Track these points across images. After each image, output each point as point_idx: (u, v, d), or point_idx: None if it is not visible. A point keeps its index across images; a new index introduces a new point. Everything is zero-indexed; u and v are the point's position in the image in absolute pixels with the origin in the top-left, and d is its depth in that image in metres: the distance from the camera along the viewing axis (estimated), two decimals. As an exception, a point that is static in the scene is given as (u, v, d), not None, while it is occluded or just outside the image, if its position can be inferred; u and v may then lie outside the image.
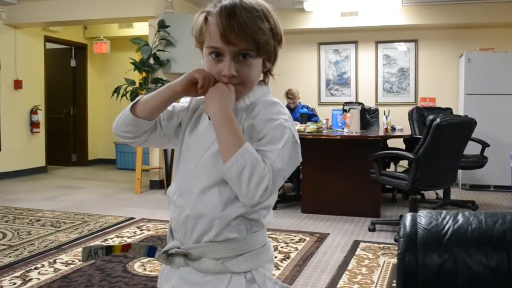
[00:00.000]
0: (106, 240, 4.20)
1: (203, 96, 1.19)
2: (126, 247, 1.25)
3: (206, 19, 1.17)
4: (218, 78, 1.16)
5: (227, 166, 1.07)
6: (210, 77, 1.16)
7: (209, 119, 1.20)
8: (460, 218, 1.66)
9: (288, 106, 6.64)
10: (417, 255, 1.59)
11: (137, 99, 1.25)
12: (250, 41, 1.13)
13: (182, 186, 1.22)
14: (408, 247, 1.61)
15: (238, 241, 1.18)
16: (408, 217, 1.71)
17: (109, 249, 1.23)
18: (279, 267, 3.49)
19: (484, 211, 1.69)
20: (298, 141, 1.18)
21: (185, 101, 1.34)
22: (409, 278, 1.59)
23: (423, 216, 1.69)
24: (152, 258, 1.26)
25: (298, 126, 5.61)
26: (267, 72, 1.27)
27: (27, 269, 3.42)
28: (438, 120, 4.14)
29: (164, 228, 4.56)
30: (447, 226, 1.63)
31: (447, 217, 1.67)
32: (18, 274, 3.33)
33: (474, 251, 1.56)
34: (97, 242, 4.11)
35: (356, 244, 4.12)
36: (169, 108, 1.29)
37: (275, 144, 1.12)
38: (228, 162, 1.07)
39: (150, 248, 1.25)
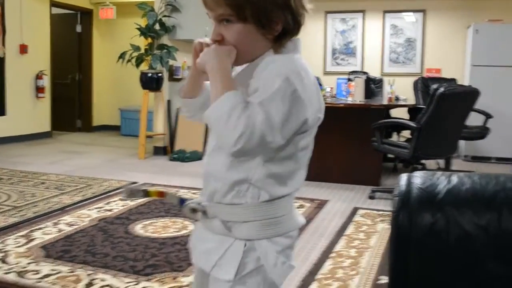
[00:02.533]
0: (109, 202, 4.25)
1: None
2: (161, 194, 1.32)
3: None
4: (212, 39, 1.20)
5: (207, 112, 1.10)
6: (206, 41, 1.19)
7: None
8: (454, 178, 1.68)
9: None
10: (411, 214, 1.61)
11: (180, 87, 1.35)
12: (223, 5, 1.12)
13: (207, 145, 1.27)
14: (402, 205, 1.63)
15: (244, 208, 1.17)
16: (404, 177, 1.72)
17: (146, 193, 1.30)
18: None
19: (479, 173, 1.71)
20: (305, 99, 1.10)
21: None
22: (401, 235, 1.61)
23: (418, 176, 1.70)
24: (180, 208, 1.30)
25: (302, 94, 5.63)
26: (279, 38, 1.19)
27: (31, 229, 3.48)
28: (441, 89, 4.14)
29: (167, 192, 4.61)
30: (441, 186, 1.65)
31: (442, 178, 1.69)
32: (23, 233, 3.39)
33: (466, 210, 1.58)
34: (102, 204, 4.17)
35: (355, 210, 4.16)
36: None
37: (263, 93, 1.07)
38: (210, 107, 1.09)
39: (181, 200, 1.29)
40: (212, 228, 1.22)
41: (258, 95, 1.07)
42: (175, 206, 4.05)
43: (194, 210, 1.25)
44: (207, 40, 1.19)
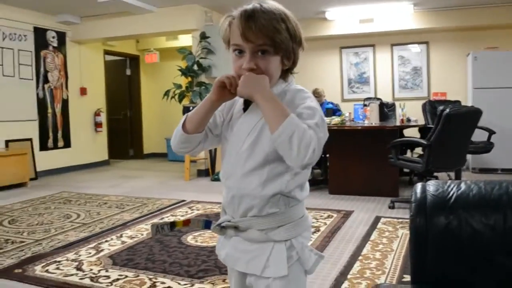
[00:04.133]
0: (163, 218, 4.35)
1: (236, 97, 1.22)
2: (187, 222, 1.29)
3: (230, 22, 1.18)
4: (239, 72, 1.16)
5: (278, 132, 1.06)
6: (233, 75, 1.17)
7: (244, 110, 1.24)
8: (463, 185, 1.72)
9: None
10: (427, 217, 1.65)
11: (183, 118, 1.26)
12: (266, 39, 1.13)
13: (228, 171, 1.25)
14: (419, 210, 1.67)
15: (278, 215, 1.21)
16: (419, 185, 1.77)
17: (173, 224, 1.29)
18: (311, 239, 3.57)
19: (484, 180, 1.75)
20: (325, 126, 1.17)
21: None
22: (420, 236, 1.65)
23: (431, 185, 1.75)
24: (208, 230, 1.30)
25: (324, 119, 5.67)
26: (287, 71, 1.24)
27: (99, 242, 3.60)
28: (447, 110, 4.15)
29: (211, 208, 4.69)
30: (451, 192, 1.69)
31: (452, 185, 1.73)
32: (92, 245, 3.51)
33: (475, 212, 1.61)
34: (157, 220, 4.28)
35: (377, 219, 4.16)
36: None
37: (312, 118, 1.12)
38: (279, 128, 1.06)
39: (206, 222, 1.29)
40: (249, 238, 1.23)
41: (310, 119, 1.12)
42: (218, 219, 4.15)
43: (223, 228, 1.26)
44: (232, 74, 1.18)
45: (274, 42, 1.14)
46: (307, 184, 1.30)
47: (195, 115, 1.23)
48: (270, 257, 1.21)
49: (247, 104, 1.25)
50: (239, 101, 1.29)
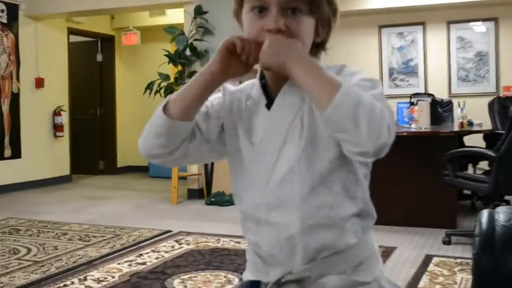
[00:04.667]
0: (141, 255, 4.32)
1: (244, 82, 1.19)
2: None
3: None
4: (258, 37, 1.09)
5: (334, 105, 0.95)
6: (250, 39, 1.09)
7: (268, 106, 1.17)
8: (545, 216, 1.69)
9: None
10: (495, 255, 1.62)
11: (166, 99, 1.16)
12: None
13: (271, 198, 1.14)
14: (485, 246, 1.64)
15: (358, 245, 1.16)
16: (485, 213, 1.74)
17: None
18: None
19: None
20: None
21: (217, 96, 1.26)
22: (485, 281, 1.62)
23: (502, 213, 1.72)
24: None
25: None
26: (319, 45, 1.22)
27: (55, 287, 3.57)
28: (523, 110, 4.11)
29: (206, 242, 4.66)
30: (530, 225, 1.66)
31: (530, 216, 1.70)
32: (46, 292, 3.51)
33: (561, 252, 1.59)
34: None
35: (428, 259, 4.10)
36: (202, 108, 1.19)
37: (375, 89, 1.06)
38: (334, 100, 0.95)
39: (252, 284, 1.18)
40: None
41: (372, 90, 1.05)
42: (215, 258, 4.12)
43: (280, 286, 1.14)
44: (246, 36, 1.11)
45: (312, 0, 1.11)
46: None
47: (184, 92, 1.13)
48: None
49: (269, 97, 1.18)
50: (253, 96, 1.21)
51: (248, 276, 1.23)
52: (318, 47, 1.21)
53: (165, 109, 1.12)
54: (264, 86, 1.19)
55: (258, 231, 1.17)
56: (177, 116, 1.11)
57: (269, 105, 1.16)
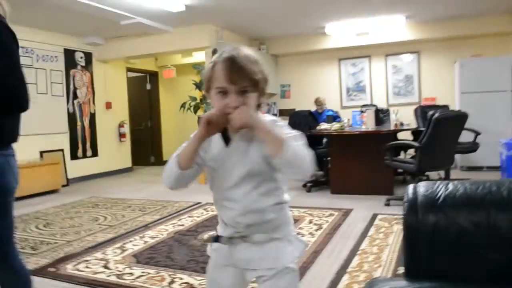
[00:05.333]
0: (181, 219, 4.36)
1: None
2: (207, 239, 1.41)
3: (213, 67, 1.21)
4: (225, 110, 1.17)
5: (284, 153, 1.12)
6: (216, 113, 1.17)
7: (226, 142, 1.26)
8: (450, 186, 1.70)
9: (316, 111, 6.70)
10: (418, 215, 1.64)
11: (174, 158, 1.26)
12: (247, 80, 1.18)
13: (225, 195, 1.29)
14: (411, 209, 1.66)
15: (276, 218, 1.30)
16: (410, 187, 1.76)
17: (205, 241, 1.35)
18: (314, 235, 3.57)
19: (469, 180, 1.73)
20: None
21: None
22: (412, 233, 1.64)
23: (422, 186, 1.74)
24: (217, 243, 1.36)
25: (325, 126, 5.66)
26: (259, 105, 1.28)
27: (124, 242, 3.61)
28: (437, 114, 4.13)
29: (224, 209, 4.68)
30: (440, 192, 1.68)
31: (440, 186, 1.72)
32: (118, 245, 3.53)
33: (462, 210, 1.60)
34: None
35: (374, 216, 4.13)
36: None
37: (298, 140, 1.19)
38: (284, 150, 1.12)
39: (214, 238, 1.37)
40: (255, 241, 1.30)
41: (298, 141, 1.18)
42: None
43: (230, 239, 1.32)
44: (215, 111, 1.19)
45: (253, 82, 1.19)
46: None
47: (188, 152, 1.22)
48: (278, 251, 1.31)
49: (224, 137, 1.28)
50: (213, 139, 1.29)
51: (218, 228, 1.39)
52: (258, 106, 1.28)
53: (178, 165, 1.24)
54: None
55: (221, 209, 1.34)
56: (185, 167, 1.24)
57: (226, 142, 1.28)
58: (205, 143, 1.26)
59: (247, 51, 1.23)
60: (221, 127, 1.19)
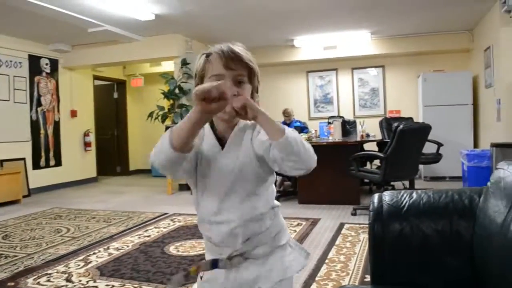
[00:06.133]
0: (147, 230, 4.28)
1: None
2: (198, 268, 1.18)
3: (207, 57, 1.15)
4: (221, 87, 0.96)
5: (285, 137, 1.00)
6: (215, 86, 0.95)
7: (218, 144, 1.16)
8: (414, 195, 1.75)
9: (284, 122, 6.75)
10: (383, 224, 1.67)
11: (168, 134, 1.03)
12: (244, 68, 1.14)
13: (217, 206, 1.16)
14: (376, 218, 1.69)
15: (274, 225, 1.20)
16: (376, 196, 1.79)
17: (188, 274, 1.16)
18: (282, 245, 3.56)
19: (432, 189, 1.78)
20: None
21: None
22: (378, 240, 1.66)
23: (387, 195, 1.78)
24: (216, 268, 1.17)
25: (293, 136, 5.70)
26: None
27: (88, 254, 3.50)
28: (401, 126, 4.23)
29: (191, 220, 4.63)
30: (404, 201, 1.72)
31: (405, 195, 1.76)
32: (81, 258, 3.41)
33: (425, 218, 1.64)
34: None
35: (341, 225, 4.17)
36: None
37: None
38: (285, 135, 1.01)
39: (213, 262, 1.18)
40: (258, 255, 1.18)
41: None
42: (198, 231, 4.09)
43: (230, 259, 1.17)
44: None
45: (249, 70, 1.15)
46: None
47: (185, 129, 0.99)
48: (284, 259, 1.21)
49: (219, 140, 1.17)
50: (207, 137, 1.18)
51: (208, 256, 1.23)
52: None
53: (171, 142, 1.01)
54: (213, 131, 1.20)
55: (212, 227, 1.18)
56: (177, 147, 1.01)
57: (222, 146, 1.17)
58: (201, 131, 1.11)
59: (241, 44, 1.19)
60: (215, 110, 0.95)
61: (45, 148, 7.32)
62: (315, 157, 1.07)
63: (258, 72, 1.20)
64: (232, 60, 1.12)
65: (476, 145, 6.88)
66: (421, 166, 6.55)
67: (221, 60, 1.12)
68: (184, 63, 6.74)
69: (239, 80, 1.13)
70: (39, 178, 7.13)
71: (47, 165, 7.34)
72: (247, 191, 1.14)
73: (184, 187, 6.91)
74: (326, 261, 3.12)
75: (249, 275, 1.17)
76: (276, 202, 1.24)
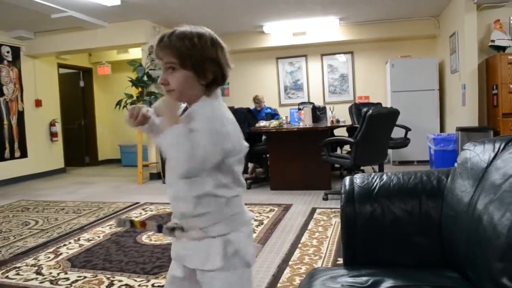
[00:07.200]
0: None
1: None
2: (143, 224, 1.28)
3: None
4: (133, 110, 1.24)
5: (164, 134, 1.13)
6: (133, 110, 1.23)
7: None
8: (384, 177, 1.79)
9: (255, 109, 6.75)
10: (355, 206, 1.70)
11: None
12: (171, 56, 1.18)
13: (167, 178, 1.29)
14: (348, 200, 1.72)
15: (211, 213, 1.22)
16: (347, 179, 1.82)
17: (132, 222, 1.28)
18: (255, 231, 3.59)
19: (402, 171, 1.82)
20: (224, 134, 1.15)
21: None
22: (350, 222, 1.69)
23: (358, 177, 1.81)
24: (161, 233, 1.28)
25: (264, 123, 5.72)
26: (208, 86, 1.22)
27: (58, 246, 3.44)
28: (370, 111, 4.29)
29: (164, 209, 4.60)
30: (375, 183, 1.75)
31: (375, 177, 1.79)
32: (51, 250, 3.35)
33: (395, 199, 1.68)
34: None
35: (313, 210, 4.22)
36: None
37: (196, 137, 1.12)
38: (165, 132, 1.14)
39: (158, 226, 1.27)
40: (192, 237, 1.24)
41: (195, 130, 1.12)
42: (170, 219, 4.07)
43: (172, 230, 1.26)
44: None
45: (180, 58, 1.17)
46: (241, 182, 1.28)
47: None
48: (209, 251, 1.22)
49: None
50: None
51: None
52: (213, 83, 1.22)
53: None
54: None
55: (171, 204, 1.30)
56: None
57: None
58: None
59: (192, 28, 1.21)
60: (137, 123, 1.23)
61: (10, 139, 7.09)
62: (185, 165, 1.11)
63: (202, 55, 1.19)
64: (160, 49, 1.20)
65: (442, 129, 7.07)
66: (390, 151, 6.69)
67: (155, 50, 1.21)
68: (152, 49, 6.59)
69: (171, 67, 1.19)
70: (4, 170, 6.91)
71: (12, 157, 7.12)
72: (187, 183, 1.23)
73: (155, 176, 6.84)
74: (299, 245, 3.16)
75: (181, 250, 1.28)
76: (226, 194, 1.23)
